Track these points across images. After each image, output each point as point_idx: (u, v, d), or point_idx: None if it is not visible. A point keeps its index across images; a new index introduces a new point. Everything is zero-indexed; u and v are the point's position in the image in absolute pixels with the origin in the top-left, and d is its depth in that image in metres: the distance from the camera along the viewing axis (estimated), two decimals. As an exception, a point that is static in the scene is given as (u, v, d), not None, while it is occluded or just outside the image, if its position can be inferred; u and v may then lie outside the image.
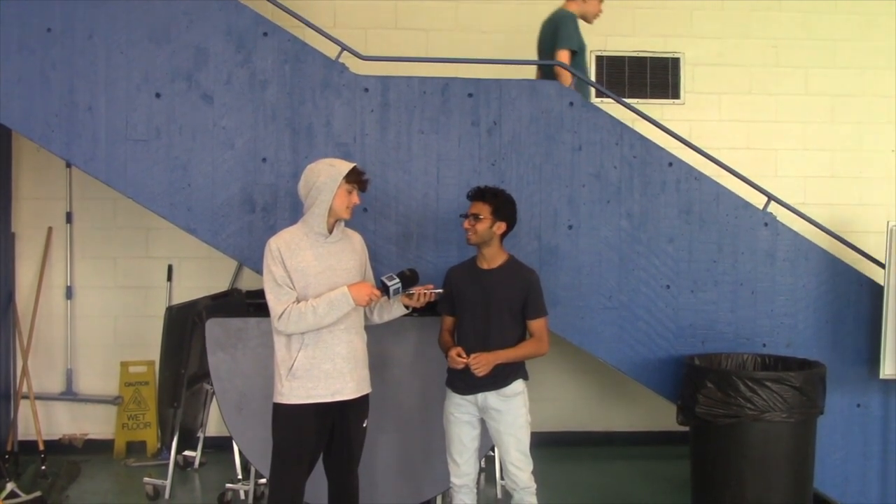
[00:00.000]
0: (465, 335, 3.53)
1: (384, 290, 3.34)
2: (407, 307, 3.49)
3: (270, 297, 3.23)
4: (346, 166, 3.29)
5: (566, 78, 4.34)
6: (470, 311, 3.53)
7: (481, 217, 3.49)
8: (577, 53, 4.56)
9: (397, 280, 3.35)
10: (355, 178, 3.30)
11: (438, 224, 4.06)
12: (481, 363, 3.38)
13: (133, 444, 5.69)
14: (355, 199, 3.33)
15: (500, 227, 3.53)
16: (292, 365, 3.23)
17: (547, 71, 4.48)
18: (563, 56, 4.46)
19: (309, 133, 4.01)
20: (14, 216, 5.58)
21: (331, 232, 3.32)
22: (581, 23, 4.62)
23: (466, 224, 3.53)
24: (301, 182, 3.32)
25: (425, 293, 3.43)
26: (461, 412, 3.54)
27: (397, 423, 3.97)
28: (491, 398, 3.49)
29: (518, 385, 3.53)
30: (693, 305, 4.21)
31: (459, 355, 3.41)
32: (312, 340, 3.23)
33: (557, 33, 4.53)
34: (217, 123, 3.96)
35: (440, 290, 3.50)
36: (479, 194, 3.55)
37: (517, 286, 3.52)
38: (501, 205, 3.53)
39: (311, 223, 3.28)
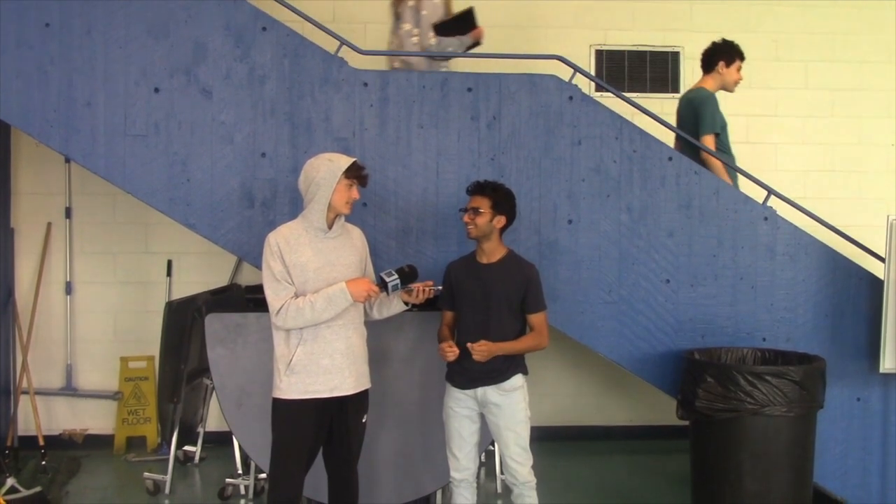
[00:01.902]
0: (465, 330, 3.53)
1: (382, 286, 3.33)
2: (406, 303, 3.49)
3: (269, 293, 3.23)
4: (345, 161, 3.28)
5: (715, 164, 4.36)
6: (470, 305, 3.53)
7: (481, 211, 3.48)
8: (720, 133, 4.57)
9: (396, 276, 3.34)
10: (355, 173, 3.30)
11: (438, 219, 4.05)
12: (483, 350, 3.38)
13: (133, 439, 5.69)
14: (355, 194, 3.33)
15: (500, 221, 3.53)
16: (291, 360, 3.23)
17: (686, 147, 4.45)
18: (709, 141, 4.47)
19: (308, 128, 4.00)
20: (13, 211, 5.57)
21: (330, 227, 3.32)
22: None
23: (466, 218, 3.53)
24: (300, 177, 3.31)
25: (425, 290, 3.43)
26: (461, 407, 3.54)
27: (397, 418, 3.97)
28: (490, 393, 3.49)
29: (517, 380, 3.52)
30: (693, 300, 4.20)
31: (450, 347, 3.43)
32: (311, 336, 3.23)
33: (699, 117, 4.52)
34: (216, 118, 3.95)
35: (440, 288, 3.50)
36: (478, 188, 3.54)
37: (516, 280, 3.52)
38: (501, 199, 3.52)
39: (310, 218, 3.28)
